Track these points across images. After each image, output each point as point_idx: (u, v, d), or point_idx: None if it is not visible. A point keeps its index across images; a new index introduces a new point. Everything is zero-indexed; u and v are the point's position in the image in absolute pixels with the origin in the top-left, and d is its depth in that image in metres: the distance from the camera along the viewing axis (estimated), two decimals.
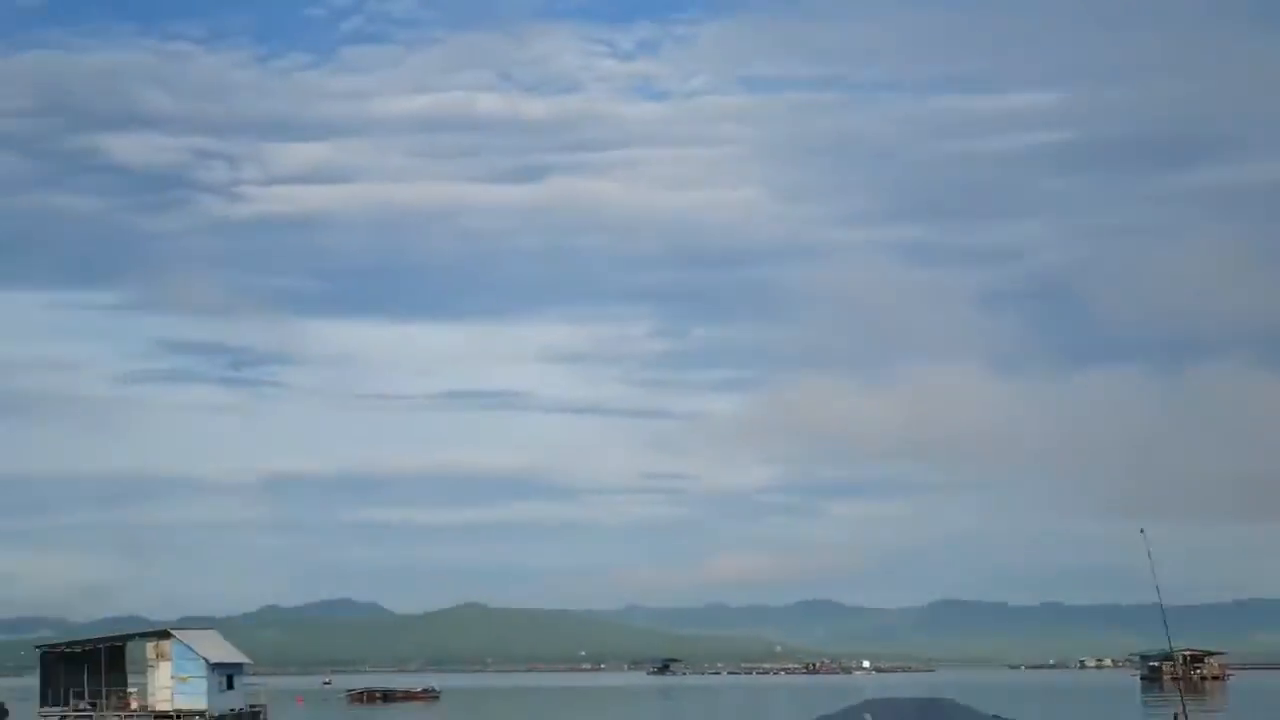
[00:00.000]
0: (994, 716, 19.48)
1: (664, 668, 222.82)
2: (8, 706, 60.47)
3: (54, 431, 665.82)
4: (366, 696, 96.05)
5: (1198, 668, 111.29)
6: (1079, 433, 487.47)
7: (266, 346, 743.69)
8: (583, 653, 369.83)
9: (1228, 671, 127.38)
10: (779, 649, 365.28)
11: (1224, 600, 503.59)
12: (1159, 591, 17.30)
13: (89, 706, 54.23)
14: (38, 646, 63.92)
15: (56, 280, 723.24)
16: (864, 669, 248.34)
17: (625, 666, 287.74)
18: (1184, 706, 19.95)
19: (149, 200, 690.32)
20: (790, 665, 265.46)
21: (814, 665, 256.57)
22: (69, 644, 61.90)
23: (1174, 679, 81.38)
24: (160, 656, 52.88)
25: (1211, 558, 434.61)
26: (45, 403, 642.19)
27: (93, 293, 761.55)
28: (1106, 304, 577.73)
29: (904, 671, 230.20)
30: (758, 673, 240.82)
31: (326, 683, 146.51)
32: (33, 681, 64.10)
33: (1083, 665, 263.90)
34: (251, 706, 56.85)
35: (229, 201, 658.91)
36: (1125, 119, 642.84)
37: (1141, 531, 16.48)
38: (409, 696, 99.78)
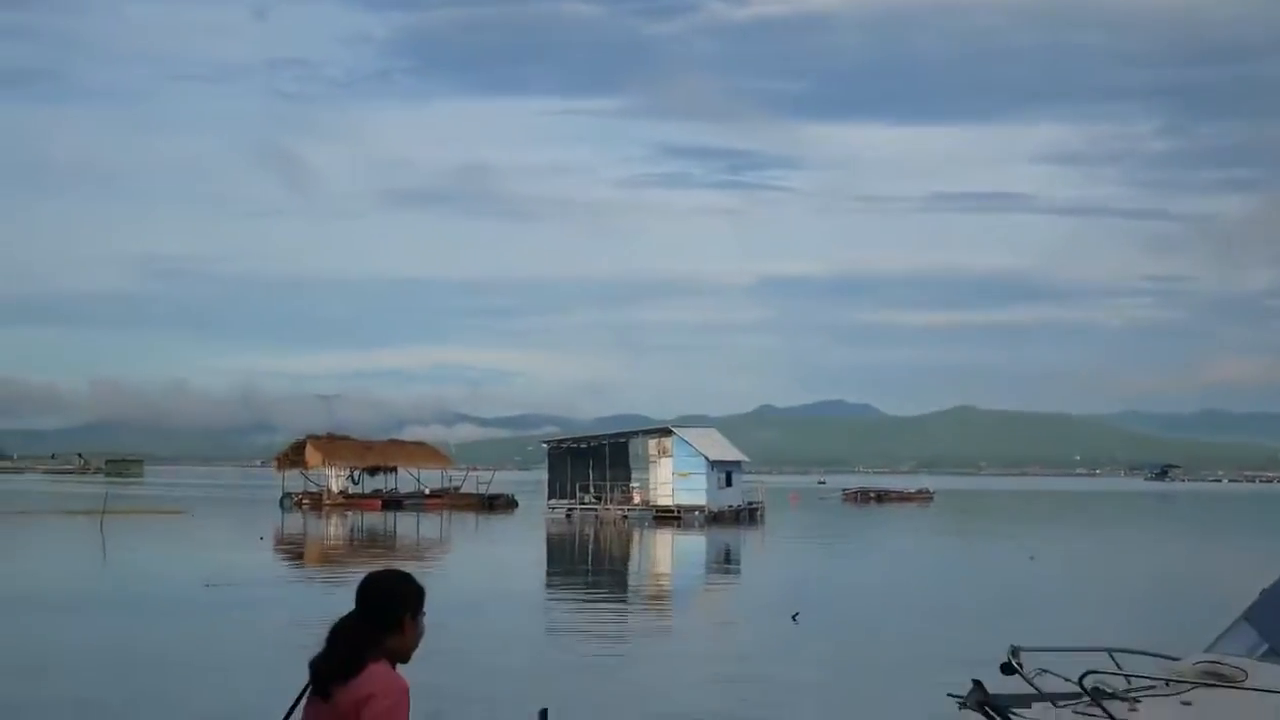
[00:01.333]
0: None
1: (1162, 473, 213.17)
2: (516, 499, 63.29)
3: (556, 235, 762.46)
4: (861, 496, 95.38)
5: None
6: None
7: (765, 150, 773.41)
8: (1077, 457, 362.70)
9: None
10: None
11: None
12: None
13: (593, 499, 56.35)
14: (545, 443, 66.41)
15: (560, 87, 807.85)
16: None
17: (1121, 472, 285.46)
18: None
19: (652, 5, 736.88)
20: None
21: None
22: (574, 440, 64.12)
23: None
24: (662, 453, 54.85)
25: None
26: (548, 207, 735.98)
27: (595, 99, 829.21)
28: None
29: None
30: (1260, 480, 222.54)
31: (821, 482, 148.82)
32: (540, 475, 66.47)
33: None
34: (749, 503, 58.24)
35: (730, 5, 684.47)
36: None
37: None
38: (903, 498, 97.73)
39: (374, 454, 64.87)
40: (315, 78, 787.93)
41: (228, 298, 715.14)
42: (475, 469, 76.00)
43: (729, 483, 54.06)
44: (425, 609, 2.77)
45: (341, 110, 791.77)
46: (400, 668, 2.65)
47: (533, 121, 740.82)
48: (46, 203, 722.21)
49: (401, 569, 2.96)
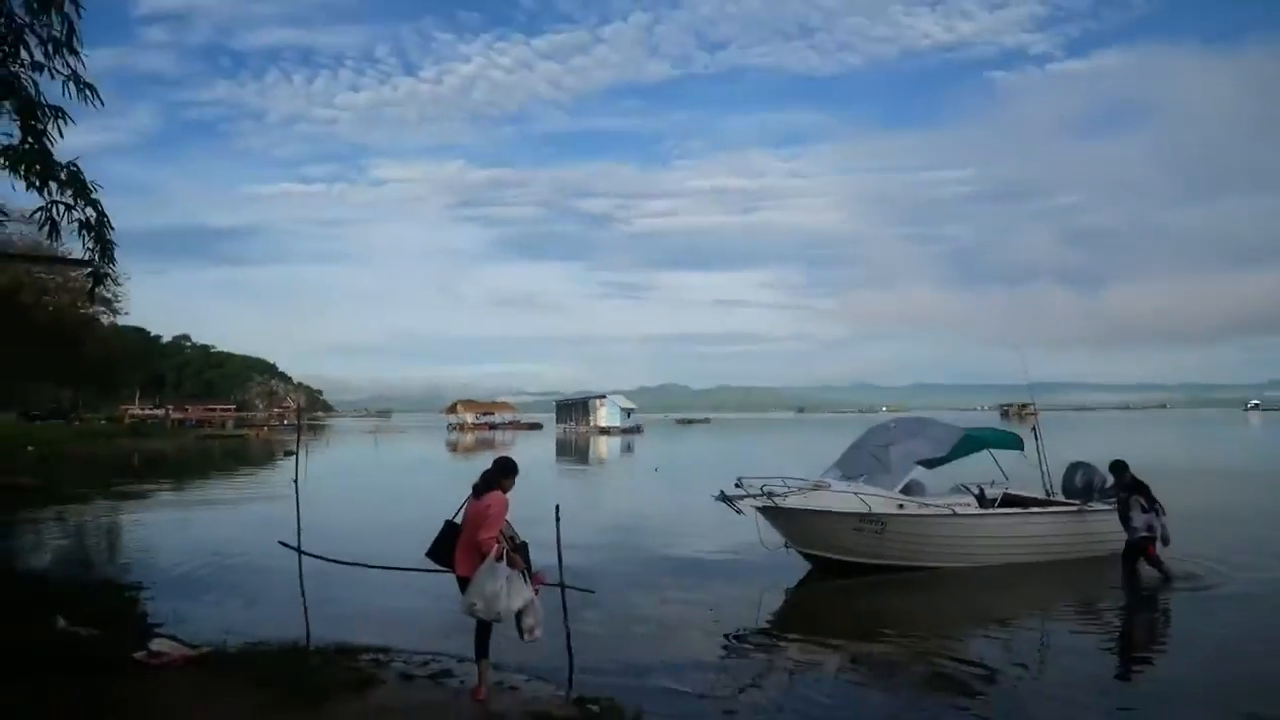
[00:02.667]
0: None
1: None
2: (542, 424, 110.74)
3: None
4: (685, 421, 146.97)
5: None
6: None
7: None
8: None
9: None
10: None
11: None
12: None
13: (574, 425, 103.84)
14: (555, 401, 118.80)
15: None
16: None
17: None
18: None
19: None
20: None
21: None
22: (566, 399, 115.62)
23: None
24: (601, 405, 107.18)
25: None
26: None
27: None
28: None
29: None
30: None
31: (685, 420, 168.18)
32: (553, 416, 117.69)
33: None
34: (636, 425, 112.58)
35: None
36: None
37: None
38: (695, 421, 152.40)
39: (484, 407, 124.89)
40: None
41: None
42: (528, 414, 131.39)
43: (629, 417, 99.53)
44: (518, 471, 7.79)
45: None
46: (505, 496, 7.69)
47: None
48: None
49: (507, 455, 7.81)
